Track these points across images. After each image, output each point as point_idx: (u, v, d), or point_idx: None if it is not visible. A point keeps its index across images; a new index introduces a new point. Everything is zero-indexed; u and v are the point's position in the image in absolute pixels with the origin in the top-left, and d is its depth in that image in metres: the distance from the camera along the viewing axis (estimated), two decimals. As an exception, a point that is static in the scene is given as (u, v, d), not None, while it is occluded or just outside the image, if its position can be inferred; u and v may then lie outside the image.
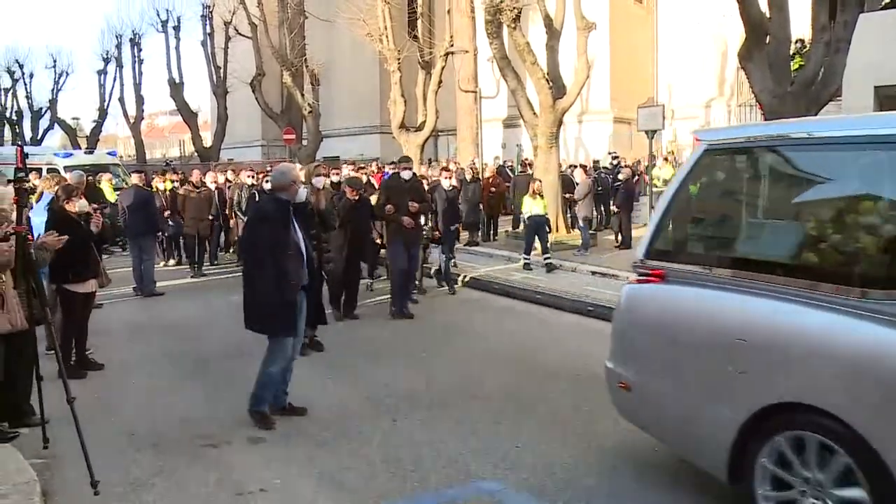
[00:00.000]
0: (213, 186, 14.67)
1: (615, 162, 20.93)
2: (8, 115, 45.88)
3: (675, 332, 4.44)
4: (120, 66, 39.60)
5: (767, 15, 11.47)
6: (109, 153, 25.15)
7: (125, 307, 11.26)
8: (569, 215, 16.56)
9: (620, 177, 16.82)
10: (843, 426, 3.45)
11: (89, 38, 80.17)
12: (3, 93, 46.68)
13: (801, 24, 13.11)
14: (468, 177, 16.81)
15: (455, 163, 20.19)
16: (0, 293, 5.36)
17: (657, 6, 29.45)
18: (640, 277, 4.80)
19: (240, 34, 31.36)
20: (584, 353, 8.20)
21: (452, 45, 20.47)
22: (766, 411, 3.80)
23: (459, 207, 13.17)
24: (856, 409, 3.43)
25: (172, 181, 15.86)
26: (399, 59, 20.21)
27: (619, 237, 15.82)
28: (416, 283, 11.24)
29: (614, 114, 28.43)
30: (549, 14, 16.64)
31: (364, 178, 13.39)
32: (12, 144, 33.80)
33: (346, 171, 13.84)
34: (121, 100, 39.31)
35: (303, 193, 6.17)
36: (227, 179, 15.91)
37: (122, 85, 39.57)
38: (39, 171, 16.62)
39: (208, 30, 34.70)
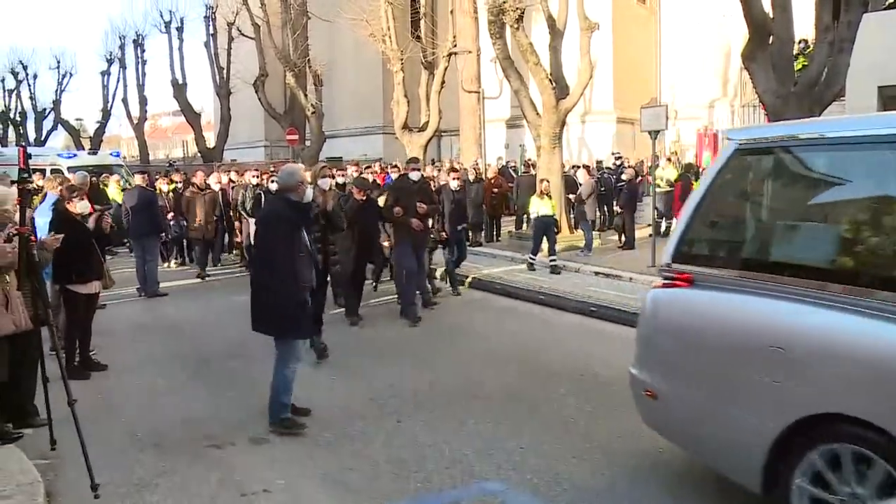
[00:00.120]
0: (217, 188, 14.65)
1: (618, 162, 20.91)
2: (12, 116, 45.95)
3: (705, 339, 4.28)
4: (123, 66, 39.67)
5: (771, 15, 11.45)
6: (113, 154, 25.23)
7: (128, 308, 11.27)
8: (572, 216, 16.53)
9: (624, 177, 16.80)
10: (884, 435, 3.34)
11: (93, 39, 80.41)
12: (7, 94, 46.81)
13: (804, 25, 13.08)
14: (471, 177, 16.80)
15: (458, 163, 20.19)
16: (4, 294, 5.37)
17: (660, 6, 29.43)
18: (666, 282, 4.62)
19: (243, 35, 31.42)
20: (587, 353, 8.21)
21: (455, 46, 20.46)
22: (803, 423, 3.65)
23: (466, 208, 13.04)
24: None
25: (175, 182, 15.86)
26: (402, 59, 20.20)
27: (623, 238, 15.80)
28: (428, 285, 11.05)
29: (617, 114, 28.42)
30: (552, 14, 16.61)
31: (370, 178, 13.34)
32: (16, 145, 33.86)
33: (351, 171, 13.80)
34: (124, 101, 39.39)
35: (310, 194, 6.17)
36: (230, 180, 15.87)
37: (125, 86, 39.69)
38: (43, 171, 16.68)
39: (211, 30, 34.74)
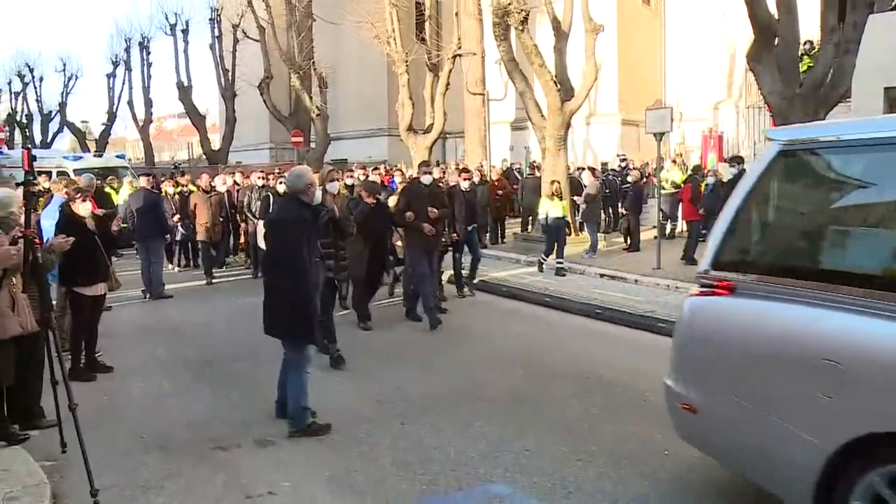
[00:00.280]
0: (223, 189, 14.65)
1: (623, 164, 20.89)
2: (18, 118, 46.11)
3: (749, 351, 4.02)
4: (129, 69, 39.74)
5: (776, 16, 11.43)
6: (118, 156, 25.28)
7: (134, 310, 11.29)
8: (577, 217, 16.52)
9: (629, 179, 16.79)
10: None
11: (98, 41, 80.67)
12: (13, 96, 46.99)
13: (809, 26, 13.07)
14: (476, 179, 16.78)
15: (464, 165, 20.16)
16: (10, 296, 5.39)
17: (665, 8, 29.38)
18: (705, 289, 4.37)
19: (248, 37, 31.45)
20: (593, 356, 8.20)
21: (460, 48, 20.45)
22: (860, 442, 3.39)
23: (476, 208, 12.87)
24: None
25: (182, 185, 15.86)
26: (407, 61, 20.20)
27: (628, 240, 15.79)
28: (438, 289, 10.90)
29: (622, 116, 28.36)
30: (557, 16, 16.63)
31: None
32: (22, 148, 33.91)
33: (358, 174, 13.73)
34: (129, 103, 39.45)
35: (319, 196, 6.17)
36: (235, 182, 15.87)
37: (130, 88, 39.71)
38: (49, 174, 16.74)
39: (216, 33, 34.78)
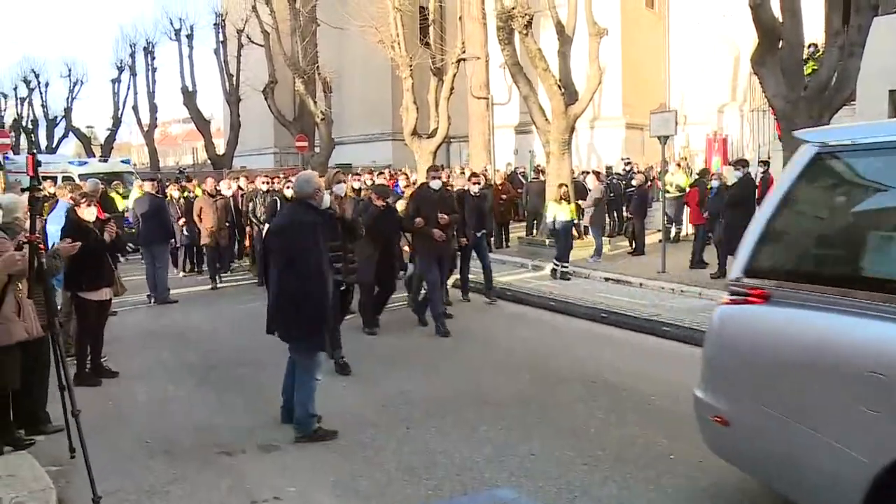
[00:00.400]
0: (228, 193, 14.66)
1: (628, 168, 20.89)
2: (24, 123, 46.30)
3: (787, 363, 3.83)
4: (134, 74, 39.92)
5: (780, 19, 11.42)
6: (123, 161, 25.37)
7: (139, 314, 11.31)
8: (581, 221, 16.51)
9: (633, 183, 16.77)
10: None
11: (104, 47, 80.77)
12: (19, 102, 47.23)
13: (814, 29, 13.06)
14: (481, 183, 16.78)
15: (470, 169, 20.16)
16: (17, 301, 5.40)
17: (668, 11, 29.37)
18: (736, 297, 4.20)
19: (252, 42, 31.53)
20: (598, 359, 8.19)
21: (464, 52, 20.45)
22: None
23: (485, 213, 12.71)
24: None
25: (188, 191, 15.87)
26: (411, 65, 20.21)
27: (633, 243, 15.77)
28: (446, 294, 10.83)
29: (626, 119, 28.37)
30: (561, 20, 16.63)
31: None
32: (27, 153, 34.04)
33: (365, 178, 13.69)
34: (134, 108, 39.63)
35: (327, 200, 6.16)
36: (239, 187, 15.86)
37: (135, 93, 39.93)
38: (54, 179, 16.78)
39: (221, 38, 34.88)
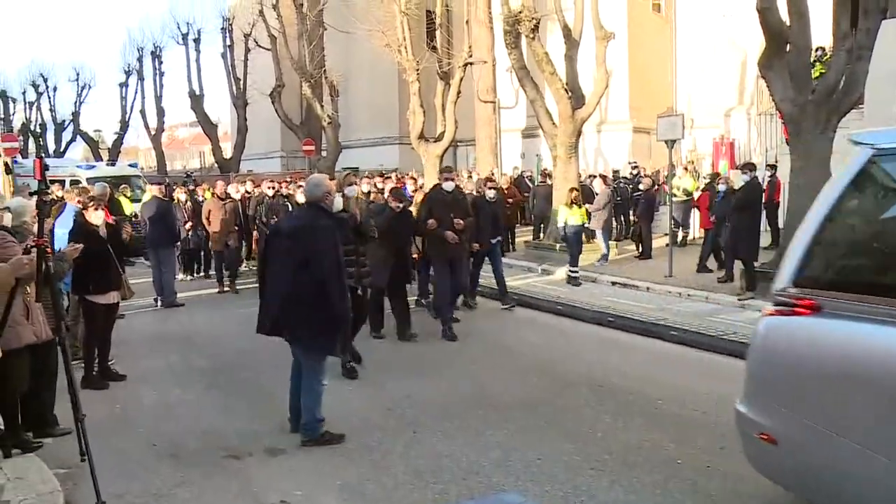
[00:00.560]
0: (237, 197, 14.67)
1: (635, 172, 20.84)
2: (32, 127, 46.51)
3: (842, 377, 3.59)
4: (141, 78, 40.09)
5: (787, 23, 11.39)
6: (131, 165, 25.45)
7: (146, 318, 11.34)
8: (589, 226, 16.48)
9: (641, 187, 16.72)
10: None
11: (111, 51, 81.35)
12: (27, 106, 47.44)
13: (821, 32, 13.01)
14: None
15: (477, 172, 20.16)
16: (25, 305, 5.42)
17: (675, 15, 29.33)
18: (783, 308, 3.97)
19: (259, 46, 31.62)
20: (605, 364, 8.17)
21: (471, 56, 20.48)
22: None
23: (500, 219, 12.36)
24: None
25: (197, 195, 15.90)
26: (418, 69, 20.24)
27: (640, 247, 15.73)
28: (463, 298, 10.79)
29: (633, 123, 28.31)
30: (568, 24, 16.64)
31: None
32: (35, 157, 34.18)
33: (376, 181, 13.63)
34: (142, 112, 39.77)
35: (339, 203, 6.15)
36: (245, 192, 15.85)
37: (143, 97, 40.09)
38: (62, 182, 16.85)
39: (228, 42, 35.00)
